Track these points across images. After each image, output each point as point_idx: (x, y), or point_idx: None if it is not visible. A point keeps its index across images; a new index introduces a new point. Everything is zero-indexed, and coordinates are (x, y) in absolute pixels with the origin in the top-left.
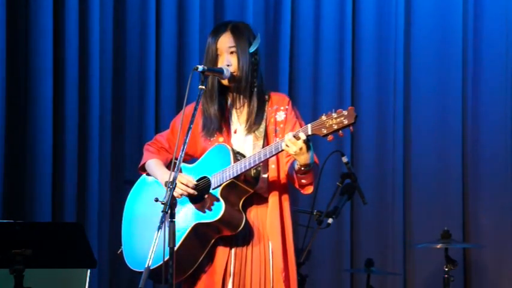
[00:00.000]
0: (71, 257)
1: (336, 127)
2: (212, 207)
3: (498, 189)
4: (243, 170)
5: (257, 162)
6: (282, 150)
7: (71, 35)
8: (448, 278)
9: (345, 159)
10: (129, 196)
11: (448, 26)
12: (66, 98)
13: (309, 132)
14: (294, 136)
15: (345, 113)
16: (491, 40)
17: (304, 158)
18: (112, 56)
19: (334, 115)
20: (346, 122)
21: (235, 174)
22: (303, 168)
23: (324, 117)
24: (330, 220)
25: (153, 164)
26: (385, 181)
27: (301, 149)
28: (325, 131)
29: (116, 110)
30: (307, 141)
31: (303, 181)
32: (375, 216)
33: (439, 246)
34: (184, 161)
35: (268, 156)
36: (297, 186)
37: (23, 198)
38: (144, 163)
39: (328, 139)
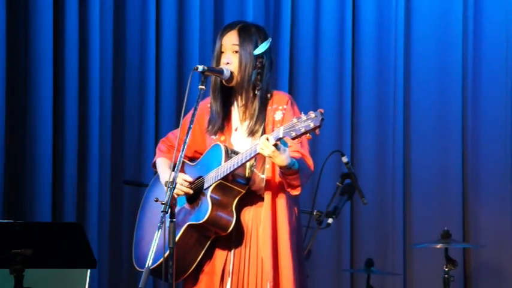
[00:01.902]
0: (71, 257)
1: (303, 130)
2: (201, 208)
3: (498, 189)
4: (228, 171)
5: (239, 164)
6: (257, 153)
7: (71, 35)
8: (448, 278)
9: (345, 159)
10: (144, 195)
11: (448, 25)
12: (66, 98)
13: (280, 135)
14: (267, 139)
15: (313, 115)
16: (491, 40)
17: (280, 160)
18: (112, 56)
19: (304, 118)
20: (312, 125)
21: (221, 176)
22: (282, 170)
23: (294, 120)
24: (330, 220)
25: (160, 163)
26: (385, 181)
27: (274, 151)
28: (293, 134)
29: (115, 110)
30: (278, 144)
31: (289, 181)
32: (375, 216)
33: (439, 246)
34: (192, 160)
35: (247, 159)
36: (286, 187)
37: (23, 198)
38: (156, 161)
39: (296, 141)
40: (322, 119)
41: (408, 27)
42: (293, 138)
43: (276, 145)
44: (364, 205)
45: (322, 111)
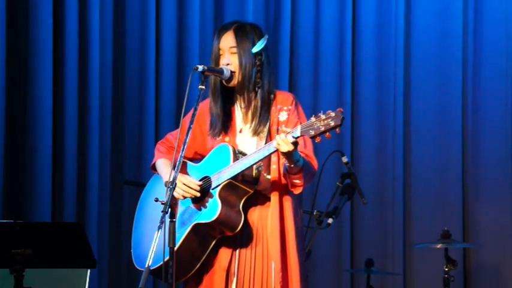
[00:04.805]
0: (71, 257)
1: (322, 129)
2: (210, 208)
3: (498, 189)
4: (239, 171)
5: (252, 163)
6: (276, 150)
7: (71, 35)
8: (448, 278)
9: (345, 159)
10: (141, 195)
11: (448, 25)
12: (66, 98)
13: (298, 134)
14: (285, 136)
15: (333, 114)
16: (491, 40)
17: (294, 159)
18: (112, 55)
19: (323, 117)
20: (332, 124)
21: (232, 175)
22: (292, 166)
23: (313, 119)
24: (330, 220)
25: (161, 164)
26: (385, 181)
27: (293, 149)
28: (312, 133)
29: (115, 110)
30: (295, 143)
31: (292, 180)
32: (375, 216)
33: (439, 246)
34: (192, 160)
35: (261, 158)
36: (290, 187)
37: (23, 198)
38: (155, 162)
39: (316, 141)
40: (343, 118)
41: (408, 26)
42: (312, 137)
43: (294, 143)
44: (364, 205)
45: (342, 110)
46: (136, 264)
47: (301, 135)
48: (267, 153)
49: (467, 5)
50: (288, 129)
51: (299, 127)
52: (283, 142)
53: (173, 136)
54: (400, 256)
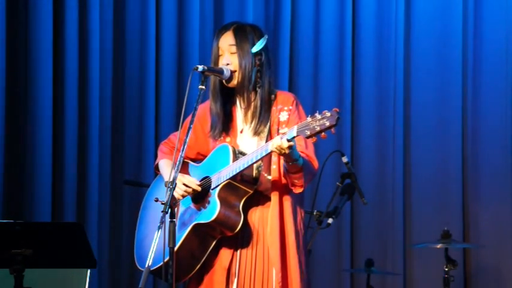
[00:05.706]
0: (71, 257)
1: (318, 129)
2: (209, 208)
3: (498, 189)
4: (238, 171)
5: (250, 164)
6: (272, 151)
7: (71, 35)
8: (448, 278)
9: (345, 159)
10: (145, 195)
11: (448, 27)
12: (66, 98)
13: (294, 134)
14: (281, 138)
15: (328, 114)
16: (491, 41)
17: (291, 156)
18: (112, 56)
19: (318, 117)
20: (327, 124)
21: (230, 175)
22: (291, 164)
23: (309, 119)
24: (330, 220)
25: (163, 165)
26: (385, 181)
27: (289, 150)
28: (308, 133)
29: (115, 110)
30: (293, 143)
31: (294, 181)
32: (375, 216)
33: (439, 246)
34: (195, 161)
35: (259, 158)
36: (290, 186)
37: (23, 198)
38: (158, 163)
39: (312, 140)
40: (338, 118)
41: (408, 27)
42: (308, 137)
43: (290, 145)
44: (364, 205)
45: (338, 110)
46: (138, 264)
47: (297, 136)
48: (264, 154)
49: (467, 5)
50: (286, 129)
51: (295, 127)
52: (278, 148)
53: (176, 136)
54: (400, 256)
